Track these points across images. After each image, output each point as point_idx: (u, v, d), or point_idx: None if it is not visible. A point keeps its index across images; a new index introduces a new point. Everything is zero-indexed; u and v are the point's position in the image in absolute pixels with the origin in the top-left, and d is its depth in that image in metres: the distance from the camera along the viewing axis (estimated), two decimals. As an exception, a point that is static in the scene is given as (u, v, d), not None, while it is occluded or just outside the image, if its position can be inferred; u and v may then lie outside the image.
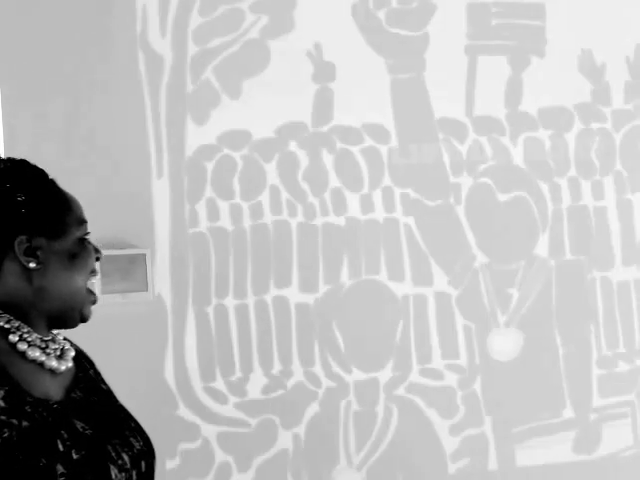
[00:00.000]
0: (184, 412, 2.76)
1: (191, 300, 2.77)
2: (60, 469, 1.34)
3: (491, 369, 3.00)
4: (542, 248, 3.06)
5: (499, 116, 3.04)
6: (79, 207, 1.54)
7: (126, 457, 1.47)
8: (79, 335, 2.60)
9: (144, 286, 2.68)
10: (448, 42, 2.99)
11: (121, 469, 1.44)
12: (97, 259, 1.54)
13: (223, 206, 2.80)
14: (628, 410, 3.11)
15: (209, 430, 2.77)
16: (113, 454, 1.44)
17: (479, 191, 3.01)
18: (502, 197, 3.03)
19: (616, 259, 3.13)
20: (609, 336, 3.11)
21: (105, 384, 1.63)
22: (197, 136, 2.78)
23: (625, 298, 3.13)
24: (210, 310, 2.79)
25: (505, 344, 3.02)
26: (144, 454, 1.55)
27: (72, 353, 1.53)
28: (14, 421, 1.34)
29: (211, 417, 2.78)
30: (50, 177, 1.55)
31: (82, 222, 1.52)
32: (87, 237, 1.52)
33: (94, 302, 1.53)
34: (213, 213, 2.79)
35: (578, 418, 3.07)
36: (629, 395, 3.12)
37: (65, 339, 1.56)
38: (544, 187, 3.07)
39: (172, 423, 2.75)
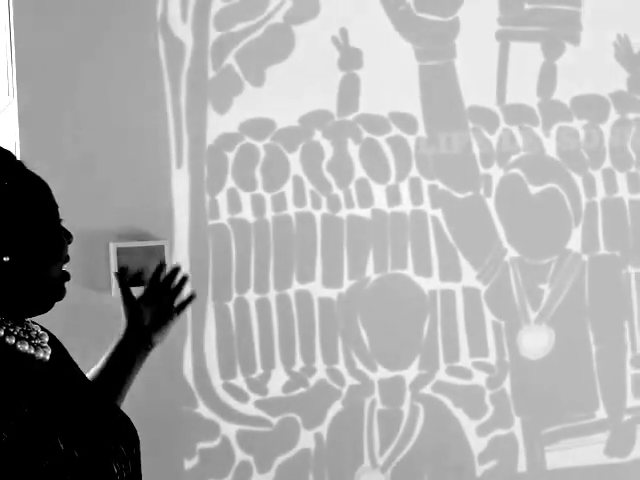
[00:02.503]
0: (203, 410, 2.74)
1: (211, 294, 2.74)
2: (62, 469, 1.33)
3: (521, 367, 2.95)
4: (575, 242, 3.01)
5: (531, 105, 2.98)
6: (49, 191, 1.49)
7: (122, 448, 1.46)
8: (94, 330, 2.57)
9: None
10: (479, 28, 2.94)
11: (121, 461, 1.44)
12: (68, 243, 1.51)
13: (245, 197, 2.76)
14: None
15: (229, 429, 2.75)
16: (112, 447, 1.44)
17: (510, 183, 2.96)
18: (534, 189, 2.98)
19: None
20: None
21: (76, 365, 1.62)
22: (218, 124, 2.74)
23: None
24: (230, 305, 2.76)
25: (536, 342, 2.97)
26: (135, 441, 1.54)
27: (46, 338, 1.51)
28: (11, 422, 1.31)
29: (231, 415, 2.76)
30: (17, 159, 1.49)
31: (54, 207, 1.49)
32: (59, 222, 1.50)
33: (67, 279, 1.51)
34: (234, 204, 2.75)
35: (611, 419, 3.03)
36: None
37: (34, 322, 1.54)
38: (578, 179, 3.02)
39: (191, 421, 2.72)
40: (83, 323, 2.60)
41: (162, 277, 2.11)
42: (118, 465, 1.42)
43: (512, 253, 2.95)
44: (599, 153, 3.04)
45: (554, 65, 3.00)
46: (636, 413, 3.05)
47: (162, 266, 2.13)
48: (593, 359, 3.02)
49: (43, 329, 1.56)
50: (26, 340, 1.44)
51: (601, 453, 3.02)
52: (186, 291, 2.17)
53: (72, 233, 1.52)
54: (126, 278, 2.08)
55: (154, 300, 2.07)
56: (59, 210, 1.51)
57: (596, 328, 3.02)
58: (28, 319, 1.51)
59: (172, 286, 2.10)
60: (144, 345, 2.03)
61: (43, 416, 1.36)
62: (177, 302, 2.10)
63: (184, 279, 2.12)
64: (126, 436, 1.51)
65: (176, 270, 2.12)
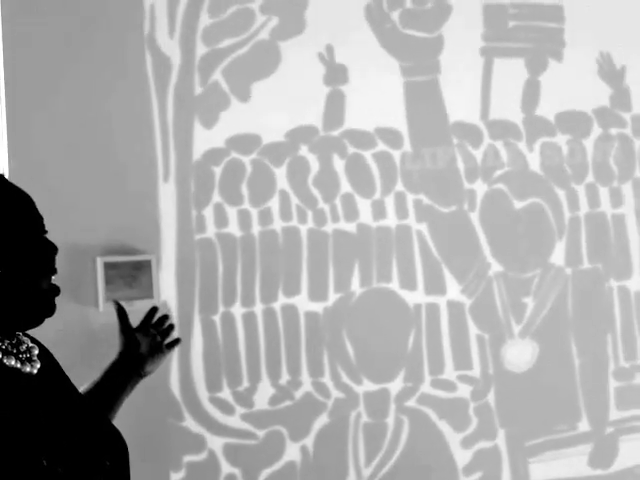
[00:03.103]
0: (190, 423, 2.75)
1: (197, 308, 2.75)
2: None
3: (505, 380, 2.98)
4: (558, 256, 3.05)
5: (515, 120, 3.03)
6: (33, 204, 1.50)
7: (108, 462, 1.47)
8: (81, 344, 2.58)
9: (149, 293, 2.66)
10: (464, 44, 2.98)
11: (106, 476, 1.44)
12: (54, 255, 1.51)
13: (231, 212, 2.78)
14: None
15: (215, 442, 2.76)
16: (97, 462, 1.44)
17: (494, 197, 2.99)
18: (518, 204, 3.02)
19: (634, 268, 3.12)
20: (627, 347, 3.10)
21: (67, 378, 1.63)
22: (205, 139, 2.76)
23: None
24: (217, 318, 2.77)
25: (519, 355, 3.00)
26: (124, 454, 1.55)
27: (36, 351, 1.52)
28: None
29: (217, 428, 2.77)
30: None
31: (38, 219, 1.49)
32: (44, 235, 1.50)
33: (57, 294, 1.51)
34: (221, 219, 2.77)
35: (594, 431, 3.06)
36: None
37: (25, 335, 1.55)
38: (561, 194, 3.06)
39: (177, 434, 2.73)
40: (70, 337, 2.60)
41: (155, 318, 2.30)
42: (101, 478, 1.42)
43: (496, 267, 2.98)
44: (582, 168, 3.08)
45: (538, 81, 3.04)
46: (619, 425, 3.08)
47: (156, 308, 2.30)
48: (576, 372, 3.05)
49: (34, 341, 1.57)
50: (13, 355, 1.44)
51: (584, 465, 3.06)
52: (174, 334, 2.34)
53: (58, 246, 1.52)
54: (124, 307, 2.22)
55: (148, 333, 2.24)
56: (44, 222, 1.51)
57: (579, 341, 3.05)
58: (19, 332, 1.51)
59: (162, 327, 2.29)
60: (137, 372, 2.14)
61: (27, 431, 1.36)
62: (167, 340, 2.28)
63: (172, 325, 2.30)
64: (114, 449, 1.51)
65: (167, 316, 2.31)
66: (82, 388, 2.02)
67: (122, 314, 2.25)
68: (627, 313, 3.10)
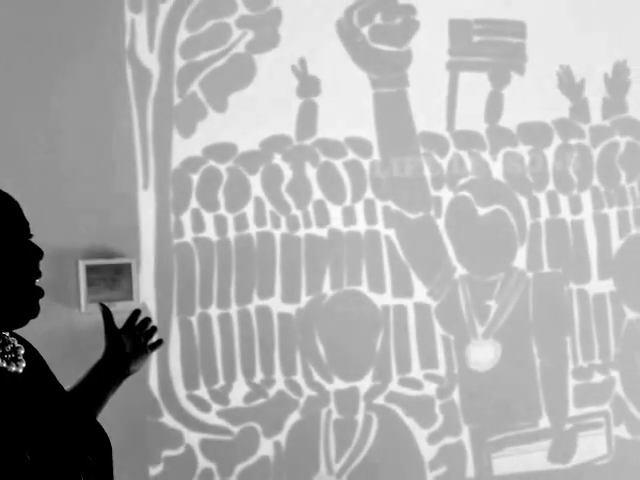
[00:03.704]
0: (168, 419, 2.78)
1: (175, 309, 2.80)
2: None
3: (469, 379, 3.03)
4: (520, 261, 3.10)
5: (479, 131, 3.07)
6: (19, 209, 1.52)
7: (91, 458, 1.48)
8: (64, 345, 2.61)
9: (130, 295, 2.71)
10: (430, 58, 3.02)
11: (89, 472, 1.45)
12: (39, 259, 1.51)
13: (208, 217, 2.82)
14: (602, 420, 3.16)
15: (192, 437, 2.80)
16: (80, 458, 1.45)
17: (459, 204, 3.04)
18: (482, 210, 3.07)
19: (592, 272, 3.16)
20: (585, 348, 3.14)
21: (53, 377, 1.63)
22: (183, 148, 2.80)
23: (601, 310, 3.17)
24: (194, 319, 2.81)
25: (483, 355, 3.05)
26: (107, 451, 1.55)
27: (22, 351, 1.53)
28: None
29: (194, 425, 2.80)
30: None
31: (24, 224, 1.51)
32: (30, 239, 1.51)
33: (41, 296, 1.52)
34: (198, 224, 2.81)
35: (554, 427, 3.11)
36: (604, 405, 3.16)
37: (13, 335, 1.55)
38: (523, 201, 3.10)
39: (156, 430, 2.77)
40: (53, 337, 2.62)
41: (138, 320, 2.33)
42: (85, 477, 1.43)
43: (461, 271, 3.03)
44: (543, 177, 3.12)
45: (501, 94, 3.09)
46: (577, 422, 3.13)
47: (138, 311, 2.34)
48: (537, 371, 3.09)
49: (21, 341, 1.57)
50: None
51: (544, 459, 3.10)
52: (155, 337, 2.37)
53: (42, 250, 1.52)
54: (109, 309, 2.26)
55: (132, 335, 2.28)
56: (29, 227, 1.52)
57: (540, 342, 3.10)
58: (5, 333, 1.52)
59: (146, 329, 2.33)
60: (122, 371, 2.19)
61: (11, 428, 1.37)
62: (150, 342, 2.33)
63: (154, 327, 2.34)
64: (97, 446, 1.52)
65: (149, 318, 2.34)
66: (68, 386, 2.06)
67: (107, 315, 2.30)
68: (585, 315, 3.14)
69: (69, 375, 2.08)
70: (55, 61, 2.71)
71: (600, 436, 3.15)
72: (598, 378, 3.15)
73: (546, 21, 3.12)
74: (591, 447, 3.14)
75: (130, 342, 2.28)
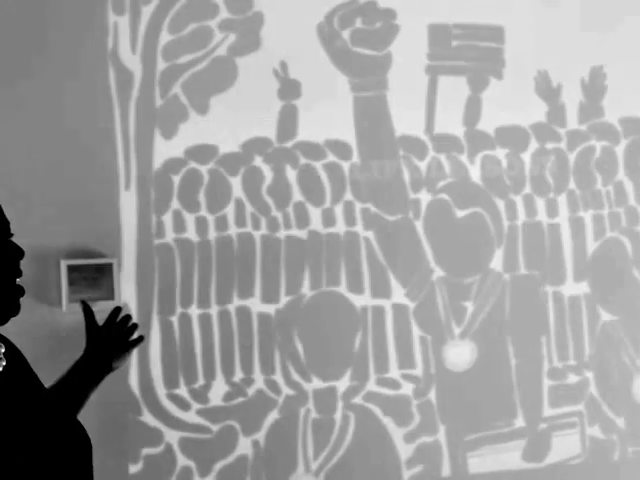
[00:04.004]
0: (148, 418, 2.80)
1: (156, 309, 2.81)
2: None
3: (446, 379, 3.05)
4: (497, 263, 3.12)
5: (458, 134, 3.09)
6: (0, 209, 1.53)
7: (71, 456, 1.49)
8: (46, 343, 2.63)
9: (111, 295, 2.72)
10: (410, 62, 3.05)
11: (68, 470, 1.47)
12: (20, 258, 1.53)
13: (189, 218, 2.84)
14: (576, 420, 3.18)
15: (172, 436, 2.81)
16: (60, 456, 1.46)
17: (437, 207, 3.07)
18: (459, 213, 3.09)
19: (568, 274, 3.19)
20: (560, 349, 3.17)
21: (34, 376, 1.63)
22: (165, 150, 2.82)
23: (576, 312, 3.20)
24: (174, 319, 2.83)
25: (459, 355, 3.07)
26: (87, 449, 1.56)
27: (2, 349, 1.54)
28: None
29: (174, 423, 2.82)
30: None
31: (4, 224, 1.52)
32: (10, 239, 1.52)
33: (22, 295, 1.54)
34: (179, 225, 2.83)
35: (528, 427, 3.13)
36: (578, 406, 3.19)
37: None
38: (500, 204, 3.13)
39: (136, 428, 2.79)
40: (35, 336, 2.63)
41: (119, 317, 2.38)
42: (64, 474, 1.44)
43: (438, 272, 3.06)
44: (520, 180, 3.15)
45: (479, 98, 3.12)
46: (552, 422, 3.15)
47: (119, 308, 2.39)
48: (512, 371, 3.12)
49: (2, 339, 1.58)
50: None
51: (519, 459, 3.12)
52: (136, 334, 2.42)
53: (24, 250, 1.53)
54: (90, 307, 2.31)
55: (112, 332, 2.33)
56: (10, 226, 1.53)
57: (515, 342, 3.12)
58: None
59: (126, 326, 2.38)
60: (103, 368, 2.24)
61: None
62: (130, 338, 2.38)
63: (135, 324, 2.39)
64: (77, 444, 1.52)
65: (129, 316, 2.40)
66: (50, 383, 2.06)
67: (88, 313, 2.34)
68: (560, 317, 3.17)
69: (51, 373, 2.11)
70: (39, 62, 2.72)
71: (574, 436, 3.18)
72: (572, 379, 3.18)
73: (524, 26, 3.15)
74: (565, 447, 3.17)
75: (111, 339, 2.33)
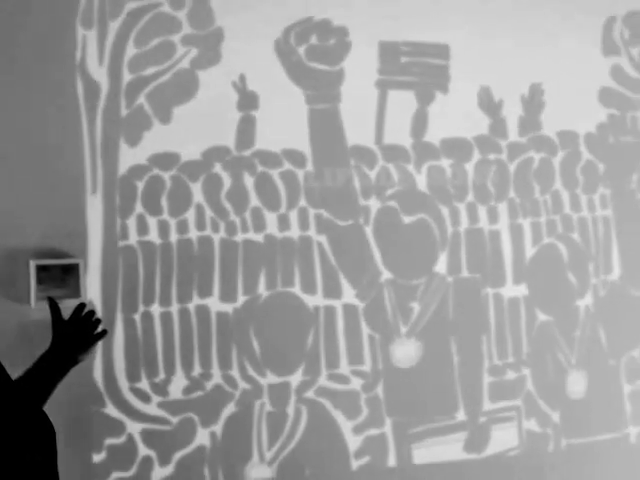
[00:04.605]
0: (111, 410, 2.83)
1: (120, 307, 2.84)
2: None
3: (392, 375, 3.10)
4: (441, 266, 3.17)
5: (405, 145, 3.15)
6: None
7: (36, 445, 1.52)
8: (15, 339, 2.67)
9: (77, 293, 2.74)
10: (361, 77, 3.10)
11: (33, 459, 1.51)
12: None
13: (152, 221, 2.87)
14: (514, 414, 3.25)
15: (134, 427, 2.84)
16: (26, 445, 1.49)
17: (386, 213, 3.12)
18: (406, 219, 3.14)
19: (507, 277, 3.25)
20: (499, 347, 3.23)
21: (1, 367, 1.63)
22: (130, 157, 2.85)
23: (515, 313, 3.27)
24: (137, 317, 2.87)
25: (406, 352, 3.12)
26: (51, 438, 1.58)
27: None
28: None
29: (136, 415, 2.85)
30: None
31: None
32: None
33: None
34: (142, 228, 2.86)
35: (469, 420, 3.19)
36: (516, 401, 3.26)
37: None
38: (445, 211, 3.18)
39: (99, 420, 2.81)
40: (4, 332, 2.69)
41: (84, 312, 2.48)
42: (30, 463, 1.47)
43: (387, 275, 3.12)
44: (463, 188, 3.22)
45: (426, 111, 3.19)
46: (491, 415, 3.22)
47: (83, 304, 2.49)
48: (455, 368, 3.18)
49: None
50: None
51: (460, 450, 3.18)
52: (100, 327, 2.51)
53: None
54: (57, 302, 2.40)
55: (77, 326, 2.42)
56: None
57: (458, 341, 3.19)
58: None
59: (90, 321, 2.47)
60: (68, 360, 2.33)
61: None
62: (95, 332, 2.48)
63: (99, 319, 2.49)
64: (41, 433, 1.54)
65: (93, 311, 2.49)
66: (16, 375, 2.14)
67: (55, 308, 2.44)
68: (500, 317, 3.23)
69: (18, 364, 2.22)
70: (9, 72, 2.76)
71: (512, 429, 3.25)
72: (511, 375, 3.24)
73: (469, 45, 3.22)
74: (503, 439, 3.23)
75: (76, 333, 2.42)
